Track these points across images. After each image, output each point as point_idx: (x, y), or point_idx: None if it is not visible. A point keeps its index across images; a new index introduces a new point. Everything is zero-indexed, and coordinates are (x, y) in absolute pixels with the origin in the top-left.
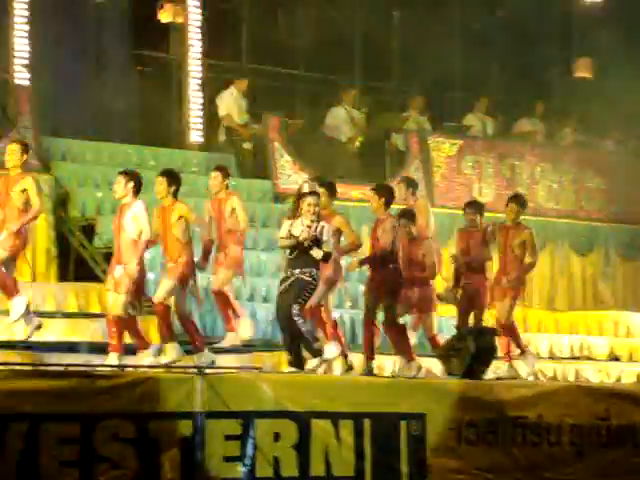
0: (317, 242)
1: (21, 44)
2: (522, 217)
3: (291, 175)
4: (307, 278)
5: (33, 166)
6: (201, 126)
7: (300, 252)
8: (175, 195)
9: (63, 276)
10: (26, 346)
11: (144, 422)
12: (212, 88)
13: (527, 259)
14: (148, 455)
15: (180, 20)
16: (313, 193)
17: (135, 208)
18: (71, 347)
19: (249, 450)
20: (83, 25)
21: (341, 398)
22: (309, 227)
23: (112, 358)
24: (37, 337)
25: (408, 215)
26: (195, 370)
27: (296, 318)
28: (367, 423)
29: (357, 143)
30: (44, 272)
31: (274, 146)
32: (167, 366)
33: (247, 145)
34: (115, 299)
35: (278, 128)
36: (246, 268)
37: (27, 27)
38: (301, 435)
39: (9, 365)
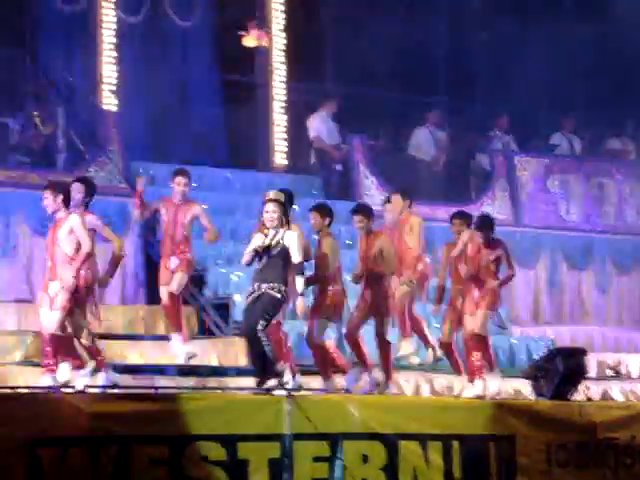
0: (284, 251)
1: (109, 70)
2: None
3: (375, 196)
4: (274, 294)
5: (121, 190)
6: (286, 148)
7: (267, 264)
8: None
9: (151, 300)
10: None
11: (233, 444)
12: (297, 111)
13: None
14: (237, 477)
15: (265, 44)
16: (271, 200)
17: (71, 222)
18: (160, 370)
19: (337, 472)
20: (170, 50)
21: (429, 419)
22: (266, 235)
23: (47, 380)
24: (124, 360)
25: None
26: (283, 392)
27: (260, 335)
28: (456, 445)
29: (441, 163)
30: (132, 296)
31: (359, 167)
32: (256, 388)
33: (338, 167)
34: (50, 317)
35: (362, 149)
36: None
37: (115, 53)
38: (389, 457)
39: (99, 388)
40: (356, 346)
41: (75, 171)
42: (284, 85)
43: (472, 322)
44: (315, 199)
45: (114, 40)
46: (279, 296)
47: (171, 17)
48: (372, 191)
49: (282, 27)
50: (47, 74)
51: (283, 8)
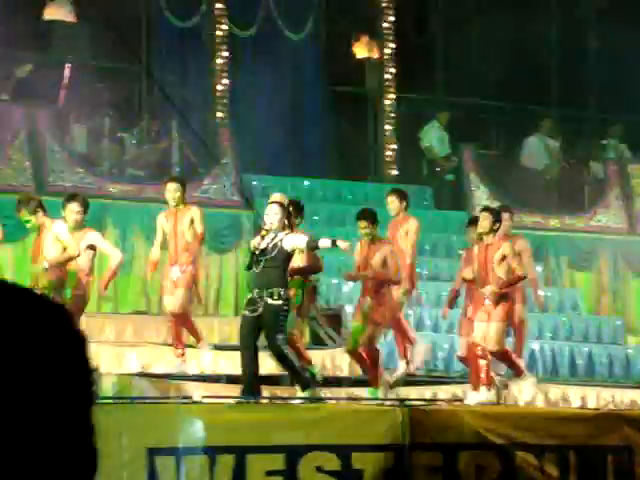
0: (283, 255)
1: (222, 84)
2: None
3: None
4: (275, 302)
5: (235, 203)
6: (396, 159)
7: (265, 268)
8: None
9: None
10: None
11: (348, 454)
12: (407, 121)
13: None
14: None
15: (375, 55)
16: (274, 202)
17: (55, 229)
18: (277, 380)
19: None
20: (281, 63)
21: (544, 430)
22: (262, 237)
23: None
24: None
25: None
26: (397, 402)
27: (284, 348)
28: (572, 456)
29: (554, 172)
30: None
31: (470, 177)
32: (369, 398)
33: (450, 177)
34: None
35: (473, 159)
36: (444, 299)
37: (227, 67)
38: (504, 468)
39: (216, 398)
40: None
41: (189, 184)
42: (394, 96)
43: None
44: (426, 210)
45: (227, 54)
46: (280, 303)
47: (282, 30)
48: (483, 201)
49: (392, 38)
50: (162, 89)
51: (393, 19)
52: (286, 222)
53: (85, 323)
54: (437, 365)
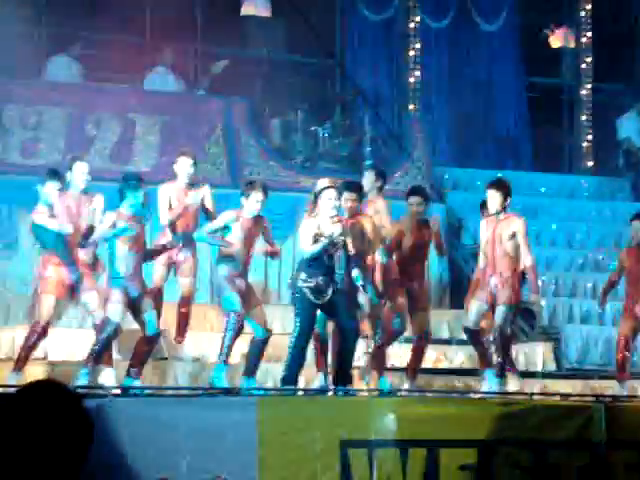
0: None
1: (414, 76)
2: None
3: None
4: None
5: (430, 196)
6: (592, 150)
7: (333, 257)
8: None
9: (456, 303)
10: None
11: (542, 450)
12: (603, 112)
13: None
14: None
15: (571, 45)
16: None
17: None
18: (470, 372)
19: None
20: (475, 54)
21: None
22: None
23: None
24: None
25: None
26: (593, 398)
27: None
28: None
29: None
30: (437, 299)
31: None
32: (565, 394)
33: None
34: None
35: None
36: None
37: (420, 59)
38: None
39: (413, 392)
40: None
41: None
42: (590, 85)
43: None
44: (624, 202)
45: (419, 46)
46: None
47: (476, 21)
48: None
49: (588, 26)
50: (354, 83)
51: (589, 7)
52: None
53: None
54: (636, 361)
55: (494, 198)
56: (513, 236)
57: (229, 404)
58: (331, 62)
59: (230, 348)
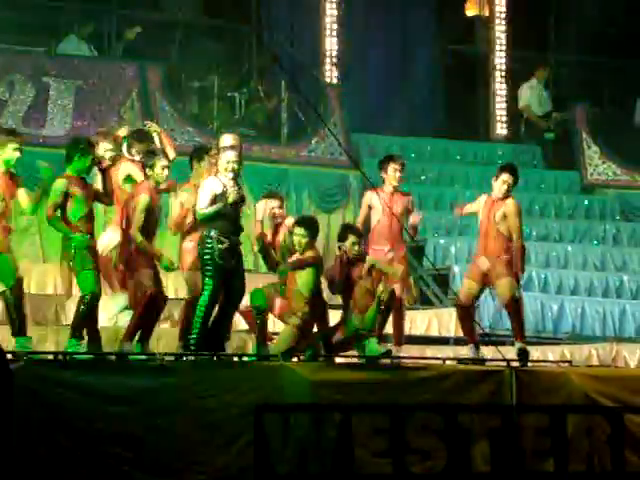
0: None
1: (331, 43)
2: None
3: (599, 165)
4: None
5: (342, 163)
6: (506, 118)
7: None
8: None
9: None
10: None
11: (453, 414)
12: (517, 80)
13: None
14: (458, 447)
15: (486, 12)
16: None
17: None
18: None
19: (560, 444)
20: (390, 22)
21: None
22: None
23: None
24: None
25: None
26: (505, 363)
27: None
28: None
29: None
30: None
31: (581, 136)
32: (478, 359)
33: (549, 136)
34: None
35: (585, 118)
36: (553, 260)
37: (336, 27)
38: (614, 430)
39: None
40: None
41: (297, 143)
42: (504, 54)
43: None
44: (537, 170)
45: (335, 13)
46: None
47: None
48: (595, 160)
49: None
50: (271, 49)
51: None
52: None
53: None
54: (545, 326)
55: (506, 182)
56: (504, 217)
57: (146, 368)
58: (248, 28)
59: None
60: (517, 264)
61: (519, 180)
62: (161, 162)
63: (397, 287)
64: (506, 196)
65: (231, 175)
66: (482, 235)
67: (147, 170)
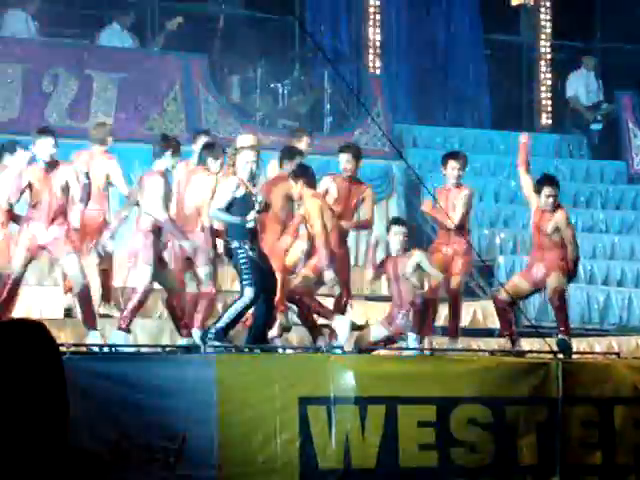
0: None
1: (374, 33)
2: None
3: None
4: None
5: (385, 153)
6: (551, 108)
7: None
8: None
9: None
10: None
11: (500, 407)
12: (562, 69)
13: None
14: (505, 440)
15: (531, 2)
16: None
17: None
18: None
19: (608, 436)
20: (433, 12)
21: None
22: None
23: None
24: None
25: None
26: (551, 355)
27: None
28: None
29: None
30: None
31: (628, 126)
32: (523, 351)
33: (596, 126)
34: None
35: (632, 107)
36: (599, 251)
37: (380, 16)
38: None
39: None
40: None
41: (340, 134)
42: (549, 43)
43: None
44: (583, 160)
45: (379, 3)
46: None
47: None
48: None
49: None
50: (314, 40)
51: None
52: None
53: None
54: (592, 318)
55: (550, 195)
56: (557, 229)
57: (188, 362)
58: (290, 18)
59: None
60: (568, 267)
61: (566, 172)
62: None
63: (454, 279)
64: (554, 207)
65: (247, 176)
66: (537, 247)
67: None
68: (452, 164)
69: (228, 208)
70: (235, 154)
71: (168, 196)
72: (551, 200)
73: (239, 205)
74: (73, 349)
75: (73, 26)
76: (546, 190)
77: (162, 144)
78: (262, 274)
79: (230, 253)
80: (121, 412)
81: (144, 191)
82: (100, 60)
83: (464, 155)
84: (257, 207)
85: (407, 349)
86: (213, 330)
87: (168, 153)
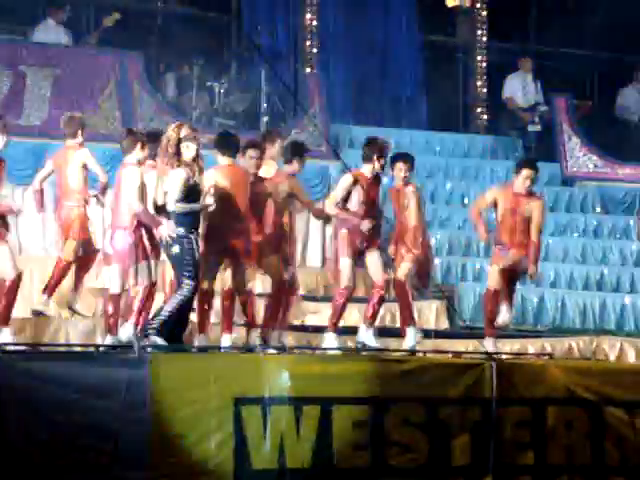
0: None
1: (311, 33)
2: None
3: (580, 157)
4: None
5: (322, 153)
6: (487, 109)
7: None
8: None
9: None
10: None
11: (434, 407)
12: (499, 71)
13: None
14: (439, 440)
15: (467, 4)
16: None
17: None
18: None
19: (540, 437)
20: (371, 13)
21: (634, 385)
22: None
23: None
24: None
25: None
26: (485, 356)
27: None
28: None
29: None
30: None
31: (562, 128)
32: (457, 352)
33: (532, 128)
34: None
35: (566, 110)
36: None
37: (317, 17)
38: (594, 423)
39: (302, 349)
40: None
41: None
42: (485, 45)
43: None
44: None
45: (316, 2)
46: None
47: None
48: (576, 152)
49: None
50: (251, 38)
51: None
52: None
53: None
54: (526, 319)
55: (529, 178)
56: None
57: (122, 361)
58: (228, 17)
59: None
60: (532, 258)
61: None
62: None
63: (402, 276)
64: (530, 191)
65: (194, 166)
66: (506, 229)
67: None
68: (400, 165)
69: (185, 198)
70: (178, 144)
71: (143, 187)
72: (528, 182)
73: (193, 195)
74: (9, 348)
75: (6, 21)
76: (524, 172)
77: (130, 138)
78: (198, 268)
79: (169, 243)
80: (53, 412)
81: (121, 183)
82: (34, 56)
83: (412, 157)
84: (209, 195)
85: (331, 349)
86: (154, 325)
87: (137, 146)
